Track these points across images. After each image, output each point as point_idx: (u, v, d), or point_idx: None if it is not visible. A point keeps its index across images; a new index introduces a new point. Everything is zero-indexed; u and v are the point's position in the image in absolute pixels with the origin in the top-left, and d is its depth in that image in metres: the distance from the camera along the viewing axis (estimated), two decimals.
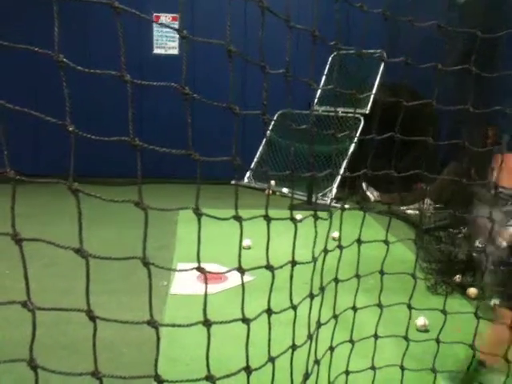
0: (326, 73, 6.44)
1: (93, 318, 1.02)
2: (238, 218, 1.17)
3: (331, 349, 1.72)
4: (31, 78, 6.27)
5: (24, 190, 1.34)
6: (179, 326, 1.15)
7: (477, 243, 2.77)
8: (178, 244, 4.10)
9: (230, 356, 1.98)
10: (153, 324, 1.07)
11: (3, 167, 0.88)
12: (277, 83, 1.38)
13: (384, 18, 1.52)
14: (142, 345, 2.42)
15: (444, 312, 1.75)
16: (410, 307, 1.73)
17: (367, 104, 6.02)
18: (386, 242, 1.67)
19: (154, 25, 6.54)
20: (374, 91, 5.82)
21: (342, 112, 6.03)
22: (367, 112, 5.96)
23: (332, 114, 6.15)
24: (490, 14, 4.54)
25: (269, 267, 1.28)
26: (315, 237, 1.46)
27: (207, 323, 1.14)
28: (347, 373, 1.80)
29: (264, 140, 6.54)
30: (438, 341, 1.77)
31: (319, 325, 1.63)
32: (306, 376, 1.61)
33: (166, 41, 6.59)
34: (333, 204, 5.18)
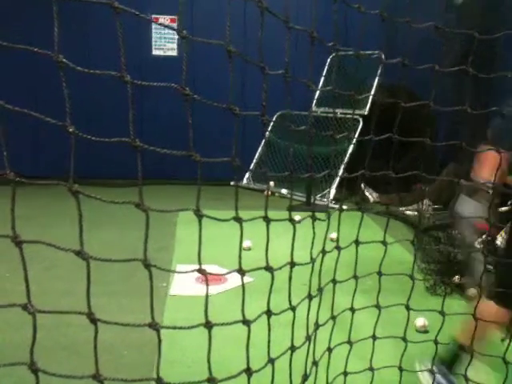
0: (324, 74, 6.45)
1: (94, 320, 1.01)
2: (238, 220, 1.17)
3: (329, 350, 1.72)
4: (30, 79, 6.28)
5: (24, 191, 1.35)
6: (181, 328, 1.14)
7: (476, 243, 2.78)
8: (178, 245, 4.10)
9: (230, 357, 1.98)
10: (154, 326, 1.07)
11: (3, 169, 0.88)
12: (276, 84, 1.38)
13: (381, 19, 1.52)
14: (142, 347, 2.42)
15: (442, 313, 1.75)
16: (408, 308, 1.73)
17: (366, 105, 6.03)
18: (384, 243, 1.67)
19: (153, 26, 6.54)
20: (372, 92, 5.83)
21: (341, 113, 6.04)
22: (366, 113, 5.96)
23: (331, 115, 6.16)
24: (488, 15, 4.55)
25: (268, 268, 1.28)
26: (313, 238, 1.46)
27: (208, 325, 1.13)
28: (345, 374, 1.80)
29: (263, 141, 6.55)
30: (436, 342, 1.77)
31: (317, 326, 1.63)
32: (305, 377, 1.61)
33: (164, 42, 6.60)
34: (331, 205, 5.19)
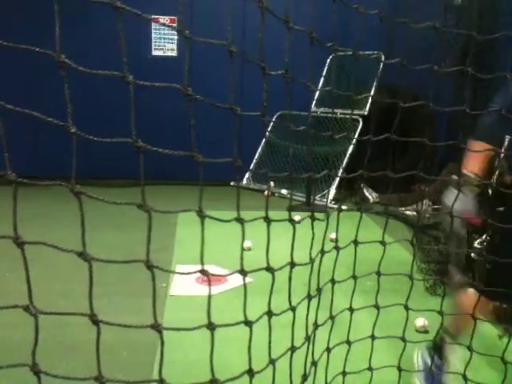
0: (324, 74, 6.45)
1: (96, 322, 1.01)
2: (240, 220, 1.17)
3: (328, 350, 1.72)
4: (30, 78, 6.27)
5: (24, 192, 1.35)
6: (183, 329, 1.14)
7: (475, 243, 2.78)
8: (177, 246, 4.10)
9: (230, 358, 1.99)
10: (156, 328, 1.06)
11: (3, 169, 0.88)
12: (275, 85, 1.38)
13: (380, 20, 1.52)
14: (142, 347, 2.42)
15: (441, 313, 1.75)
16: (406, 308, 1.73)
17: (365, 106, 6.04)
18: (383, 243, 1.67)
19: (153, 26, 6.54)
20: (372, 93, 5.84)
21: (341, 114, 6.04)
22: (365, 114, 5.97)
23: (330, 115, 6.16)
24: (486, 17, 4.55)
25: (269, 269, 1.28)
26: (312, 238, 1.46)
27: (211, 326, 1.13)
28: (344, 374, 1.81)
29: (263, 141, 6.55)
30: (435, 341, 1.78)
31: (316, 326, 1.63)
32: (304, 378, 1.61)
33: (164, 43, 6.60)
34: (331, 205, 5.19)
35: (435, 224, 3.77)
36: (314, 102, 6.41)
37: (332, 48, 1.44)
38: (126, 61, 0.98)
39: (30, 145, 6.44)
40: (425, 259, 3.51)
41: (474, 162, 1.68)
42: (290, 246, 1.37)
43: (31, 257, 0.95)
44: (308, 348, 1.59)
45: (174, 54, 6.62)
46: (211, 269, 1.10)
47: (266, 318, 1.30)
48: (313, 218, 1.46)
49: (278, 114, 5.76)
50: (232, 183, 6.26)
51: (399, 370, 1.82)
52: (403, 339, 1.77)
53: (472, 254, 1.94)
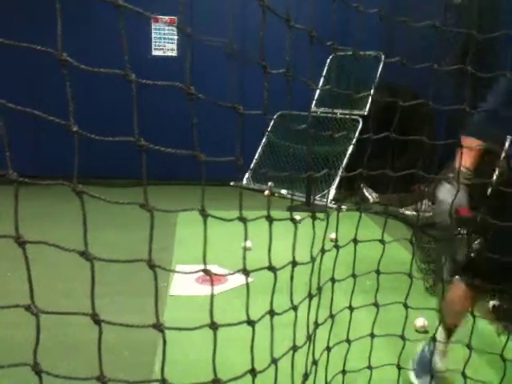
0: (324, 74, 6.45)
1: (98, 321, 1.01)
2: (242, 220, 1.17)
3: (328, 349, 1.72)
4: (31, 77, 6.27)
5: (26, 191, 1.35)
6: (186, 329, 1.14)
7: (475, 243, 2.78)
8: (177, 246, 4.10)
9: (231, 358, 1.99)
10: (159, 327, 1.06)
11: (4, 168, 0.88)
12: (276, 84, 1.38)
13: (379, 19, 1.52)
14: (143, 347, 2.42)
15: (441, 313, 1.76)
16: (406, 306, 1.74)
17: (365, 106, 6.04)
18: (382, 242, 1.68)
19: (153, 26, 6.54)
20: (371, 92, 5.83)
21: (341, 113, 6.05)
22: (365, 114, 5.97)
23: (330, 115, 6.16)
24: (486, 15, 4.56)
25: (271, 268, 1.28)
26: (313, 238, 1.46)
27: (214, 326, 1.13)
28: (344, 372, 1.81)
29: (263, 141, 6.55)
30: (434, 340, 1.78)
31: (317, 325, 1.63)
32: (305, 377, 1.61)
33: (164, 43, 6.60)
34: (331, 205, 5.19)
35: (434, 223, 3.77)
36: (314, 102, 6.40)
37: (332, 47, 1.45)
38: (128, 59, 0.98)
39: (31, 144, 6.43)
40: (424, 259, 3.51)
41: (464, 157, 1.72)
42: (290, 246, 1.37)
43: (33, 256, 0.95)
44: (309, 347, 1.60)
45: (174, 54, 6.61)
46: (213, 269, 1.10)
47: (267, 317, 1.30)
48: (313, 218, 1.46)
49: (278, 113, 5.76)
50: (232, 183, 6.26)
51: (399, 368, 1.82)
52: (403, 337, 1.78)
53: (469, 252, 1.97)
